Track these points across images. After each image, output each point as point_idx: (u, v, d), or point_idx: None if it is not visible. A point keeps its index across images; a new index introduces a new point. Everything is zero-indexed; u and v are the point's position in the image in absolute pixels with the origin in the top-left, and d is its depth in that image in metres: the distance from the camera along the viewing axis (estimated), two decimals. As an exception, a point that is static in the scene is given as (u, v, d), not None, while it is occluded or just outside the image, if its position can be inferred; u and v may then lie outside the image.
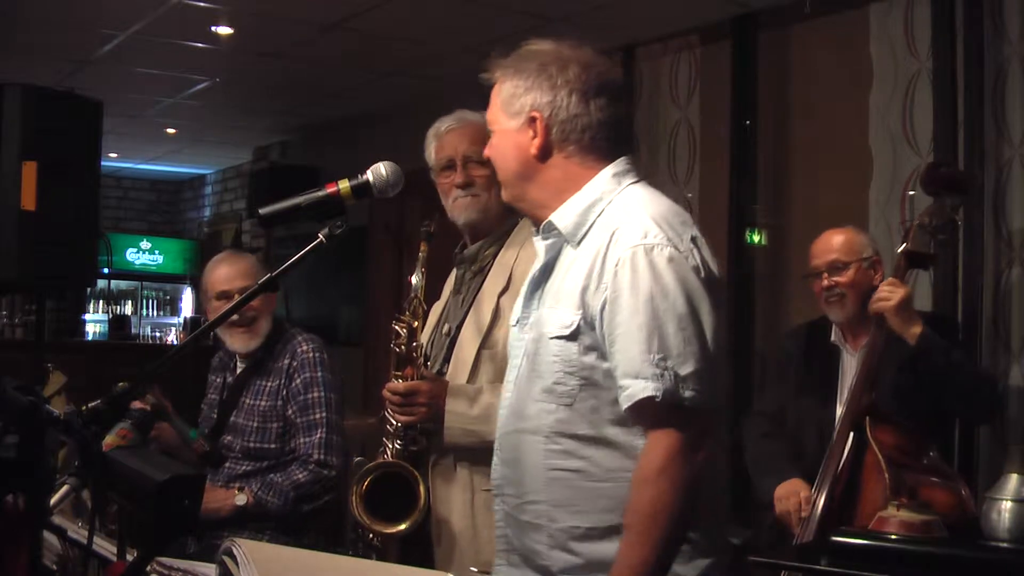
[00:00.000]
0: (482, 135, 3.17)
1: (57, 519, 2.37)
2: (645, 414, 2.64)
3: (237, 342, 4.68)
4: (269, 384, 4.63)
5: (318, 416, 4.54)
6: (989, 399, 4.57)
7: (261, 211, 2.84)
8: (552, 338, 2.78)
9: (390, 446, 3.69)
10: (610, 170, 2.88)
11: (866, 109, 6.13)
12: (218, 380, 4.87)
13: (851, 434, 4.25)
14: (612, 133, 2.91)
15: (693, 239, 2.77)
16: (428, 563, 3.55)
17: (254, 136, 11.95)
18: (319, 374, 4.62)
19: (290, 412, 4.56)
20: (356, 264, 9.91)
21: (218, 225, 14.04)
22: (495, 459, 2.97)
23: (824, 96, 6.49)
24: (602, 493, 2.73)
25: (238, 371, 4.74)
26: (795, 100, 6.69)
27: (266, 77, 9.10)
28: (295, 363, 4.63)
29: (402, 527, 3.64)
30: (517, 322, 3.01)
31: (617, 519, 2.68)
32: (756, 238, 6.82)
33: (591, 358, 2.73)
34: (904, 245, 4.44)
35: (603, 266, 2.71)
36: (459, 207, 3.72)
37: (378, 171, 2.85)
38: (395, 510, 3.65)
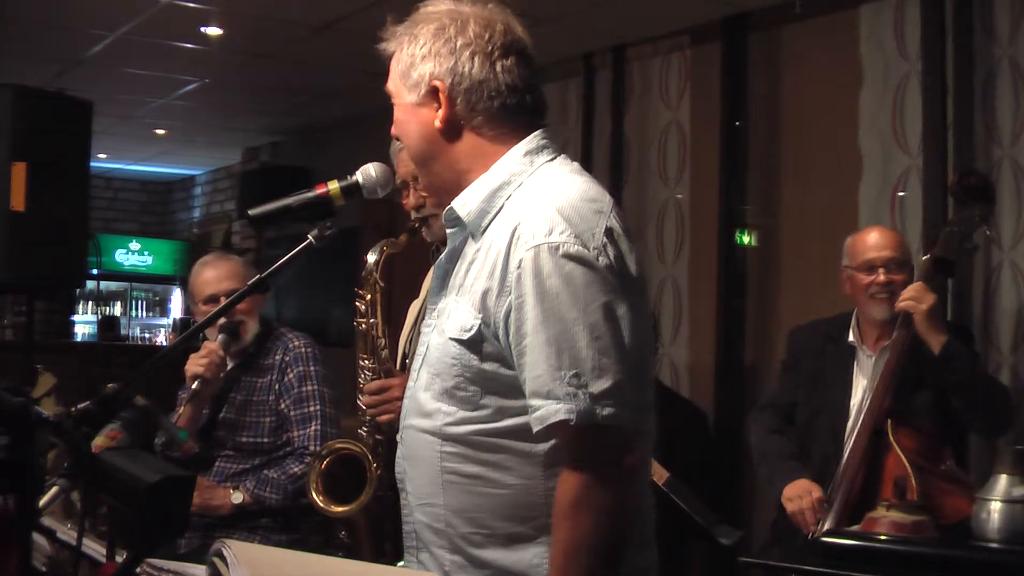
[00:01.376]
0: None
1: (47, 520, 2.37)
2: (558, 437, 2.42)
3: None
4: (261, 380, 4.65)
5: (313, 409, 4.56)
6: (1005, 413, 4.58)
7: (251, 212, 2.82)
8: (452, 339, 2.54)
9: (360, 432, 3.74)
10: (522, 147, 2.60)
11: (856, 110, 6.14)
12: None
13: (871, 435, 4.26)
14: (524, 99, 2.62)
15: (608, 231, 2.45)
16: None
17: (244, 137, 11.94)
18: (312, 368, 4.65)
19: (283, 406, 4.59)
20: (347, 265, 9.89)
21: (208, 226, 14.03)
22: (398, 451, 2.75)
23: (814, 97, 6.49)
24: (503, 501, 2.52)
25: (228, 368, 4.74)
26: (785, 101, 6.69)
27: (256, 78, 9.10)
28: (288, 358, 4.65)
29: (346, 508, 3.72)
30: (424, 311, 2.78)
31: (519, 527, 2.51)
32: (746, 239, 6.83)
33: (492, 366, 2.50)
34: (933, 251, 4.45)
35: (505, 267, 2.45)
36: (424, 231, 3.68)
37: (367, 172, 2.84)
38: (351, 492, 3.70)
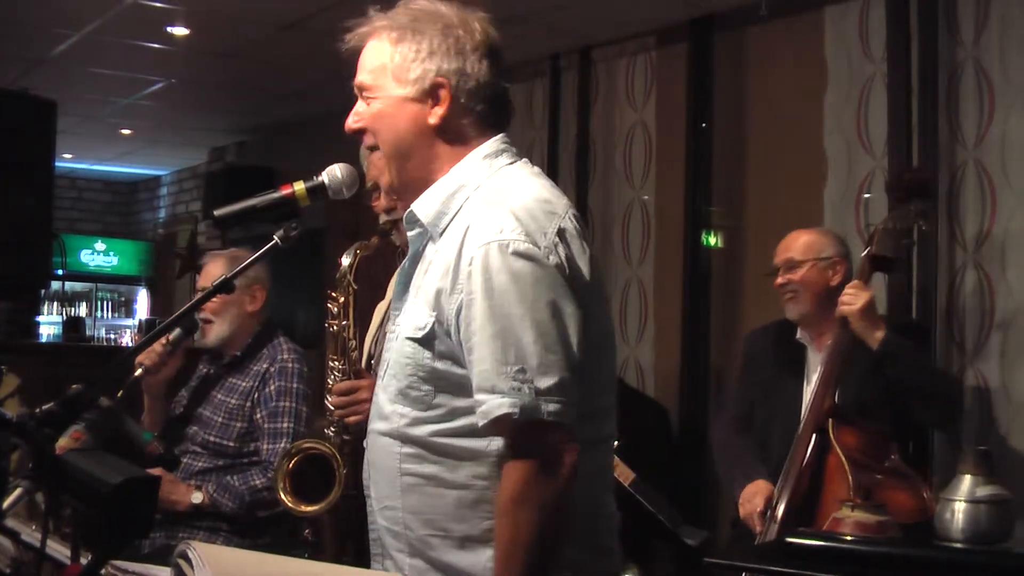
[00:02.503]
0: None
1: (10, 522, 2.36)
2: (502, 432, 2.45)
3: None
4: (243, 384, 4.65)
5: (285, 425, 4.54)
6: (953, 403, 4.65)
7: (216, 212, 2.83)
8: (406, 338, 2.60)
9: (328, 432, 3.75)
10: (481, 151, 2.66)
11: (821, 111, 6.16)
12: (203, 370, 4.88)
13: (814, 435, 4.29)
14: (504, 105, 2.71)
15: (560, 232, 2.50)
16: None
17: (210, 137, 11.89)
18: (294, 385, 4.62)
19: (258, 416, 4.58)
20: (313, 266, 9.88)
21: (173, 227, 13.96)
22: (365, 456, 2.80)
23: (780, 98, 6.51)
24: (458, 502, 2.55)
25: (223, 363, 4.76)
26: (751, 102, 6.71)
27: (222, 78, 9.07)
28: (273, 369, 4.65)
29: (314, 508, 3.75)
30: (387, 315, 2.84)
31: (474, 528, 2.54)
32: (712, 240, 6.84)
33: (444, 364, 2.54)
34: (869, 248, 4.50)
35: (457, 265, 2.49)
36: (395, 234, 3.68)
37: (333, 173, 2.84)
38: (319, 492, 3.71)
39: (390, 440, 2.63)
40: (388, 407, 2.64)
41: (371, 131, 2.70)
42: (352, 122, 2.72)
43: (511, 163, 2.67)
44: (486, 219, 2.48)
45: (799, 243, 4.79)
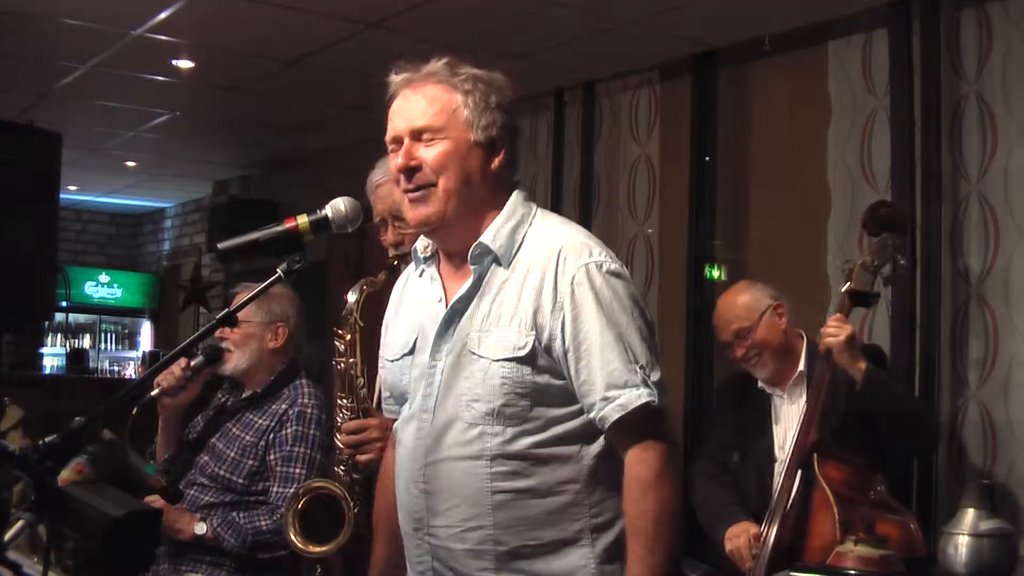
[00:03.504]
0: None
1: (12, 555, 2.36)
2: (634, 422, 2.71)
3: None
4: (260, 422, 4.58)
5: (297, 471, 4.47)
6: (932, 429, 4.75)
7: (220, 246, 2.84)
8: (500, 360, 2.78)
9: (337, 471, 3.74)
10: (521, 193, 2.95)
11: (824, 145, 6.17)
12: (221, 399, 4.85)
13: (799, 471, 4.29)
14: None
15: (616, 257, 2.87)
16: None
17: (214, 170, 11.90)
18: (311, 431, 4.54)
19: (271, 457, 4.51)
20: (316, 299, 9.88)
21: (177, 259, 13.97)
22: (412, 491, 2.90)
23: (783, 132, 6.52)
24: (548, 508, 2.78)
25: (242, 397, 4.72)
26: (754, 136, 6.72)
27: (227, 111, 9.08)
28: (292, 412, 4.57)
29: (323, 548, 3.77)
30: (414, 350, 2.96)
31: (565, 532, 2.79)
32: (715, 273, 6.85)
33: (544, 378, 2.77)
34: (848, 284, 4.53)
35: (555, 286, 2.77)
36: (402, 269, 3.67)
37: (337, 207, 2.85)
38: (328, 532, 3.71)
39: (475, 462, 2.79)
40: (470, 432, 2.80)
41: (433, 170, 2.83)
42: (410, 162, 2.84)
43: (536, 205, 2.98)
44: (574, 246, 2.83)
45: (739, 308, 4.84)
